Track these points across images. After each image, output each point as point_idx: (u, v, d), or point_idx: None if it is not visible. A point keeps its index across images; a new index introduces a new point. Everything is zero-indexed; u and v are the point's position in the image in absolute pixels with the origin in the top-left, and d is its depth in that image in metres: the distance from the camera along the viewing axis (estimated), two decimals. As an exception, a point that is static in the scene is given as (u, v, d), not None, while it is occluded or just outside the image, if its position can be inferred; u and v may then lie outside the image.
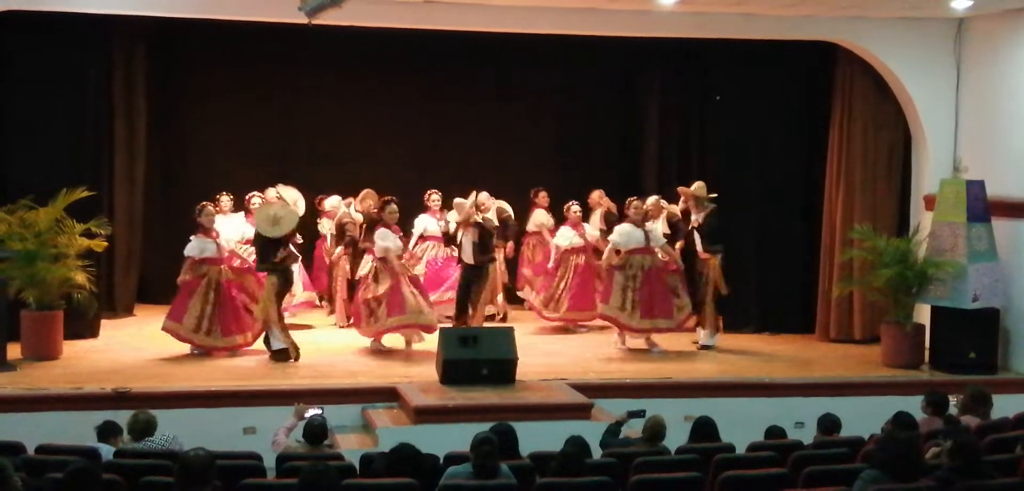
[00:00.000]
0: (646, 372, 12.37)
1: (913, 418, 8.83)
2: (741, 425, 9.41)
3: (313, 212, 15.08)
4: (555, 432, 8.88)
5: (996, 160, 13.18)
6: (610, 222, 14.66)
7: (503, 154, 16.33)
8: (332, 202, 14.44)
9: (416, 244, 14.44)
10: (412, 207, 14.49)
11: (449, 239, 14.06)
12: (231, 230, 13.40)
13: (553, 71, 16.10)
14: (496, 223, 13.71)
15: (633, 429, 9.41)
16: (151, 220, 15.26)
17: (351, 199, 14.32)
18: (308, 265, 14.88)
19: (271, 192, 13.74)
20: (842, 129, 14.36)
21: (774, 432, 9.01)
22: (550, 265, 14.70)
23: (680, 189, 13.86)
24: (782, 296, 14.91)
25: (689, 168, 15.88)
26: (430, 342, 12.47)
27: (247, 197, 13.95)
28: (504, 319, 14.53)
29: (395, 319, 12.63)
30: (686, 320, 13.45)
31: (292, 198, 13.84)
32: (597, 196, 15.02)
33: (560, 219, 14.92)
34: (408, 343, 12.94)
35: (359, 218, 14.02)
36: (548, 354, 13.08)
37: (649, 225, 13.32)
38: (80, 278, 12.48)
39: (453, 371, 11.31)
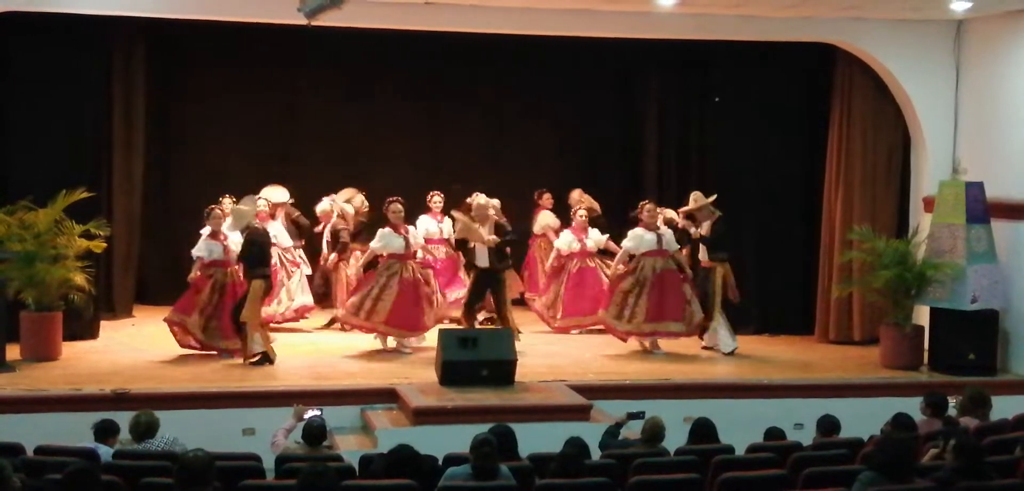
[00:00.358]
0: (645, 373, 12.38)
1: (912, 419, 8.84)
2: (740, 426, 9.40)
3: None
4: (554, 433, 8.88)
5: (995, 162, 13.18)
6: (592, 221, 14.72)
7: (503, 155, 16.34)
8: (323, 207, 14.27)
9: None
10: (411, 208, 14.45)
11: (460, 243, 13.96)
12: (238, 235, 13.36)
13: (553, 73, 16.10)
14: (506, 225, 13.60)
15: (632, 430, 9.41)
16: (150, 221, 15.26)
17: (333, 195, 14.22)
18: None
19: (227, 202, 13.60)
20: (841, 130, 14.37)
21: (773, 433, 9.00)
22: (547, 268, 14.73)
23: (681, 211, 13.74)
24: (781, 297, 14.91)
25: (688, 169, 15.91)
26: (430, 342, 12.48)
27: (279, 202, 13.97)
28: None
29: (384, 327, 12.78)
30: (697, 326, 13.42)
31: (276, 197, 13.80)
32: (577, 195, 15.02)
33: (565, 219, 14.92)
34: (398, 344, 12.95)
35: (351, 210, 14.03)
36: (547, 355, 13.07)
37: (662, 228, 13.31)
38: (79, 279, 12.48)
39: (452, 372, 11.31)
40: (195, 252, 12.54)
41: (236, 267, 12.55)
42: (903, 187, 14.46)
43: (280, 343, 13.14)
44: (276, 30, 13.47)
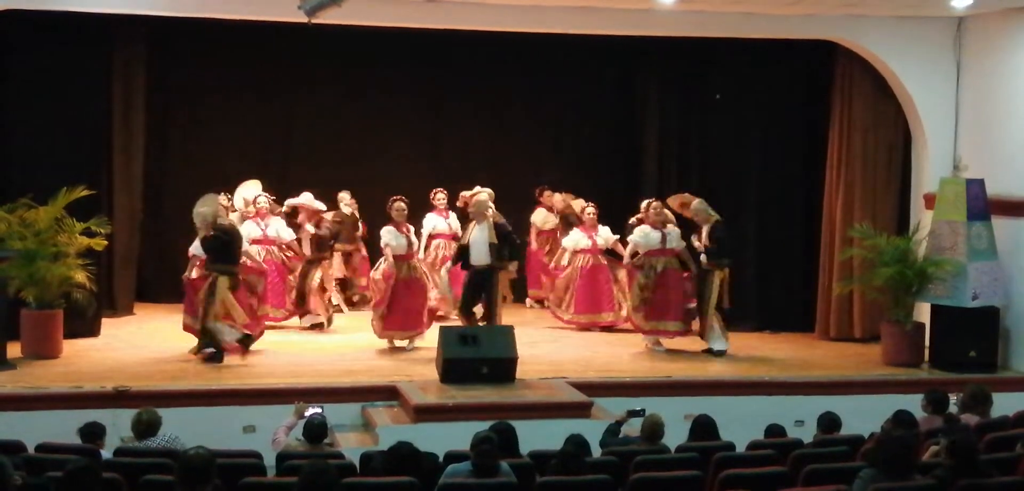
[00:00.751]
0: (646, 371, 12.39)
1: (913, 416, 8.83)
2: (741, 423, 9.41)
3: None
4: (555, 431, 8.89)
5: (996, 159, 13.17)
6: (569, 222, 14.70)
7: (503, 153, 16.33)
8: (305, 199, 14.15)
9: (426, 243, 14.38)
10: (413, 206, 14.46)
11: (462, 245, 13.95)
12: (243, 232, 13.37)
13: (553, 70, 16.09)
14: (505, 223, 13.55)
15: (633, 428, 9.41)
16: (151, 219, 15.25)
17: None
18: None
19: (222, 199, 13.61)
20: (842, 128, 14.36)
21: (774, 430, 9.01)
22: (552, 265, 14.75)
23: (680, 208, 13.74)
24: (782, 295, 14.91)
25: (689, 167, 15.90)
26: (430, 340, 12.48)
27: (254, 197, 13.95)
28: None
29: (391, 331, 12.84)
30: (693, 326, 13.43)
31: (250, 194, 13.78)
32: (560, 199, 15.01)
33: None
34: (410, 340, 12.95)
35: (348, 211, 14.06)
36: (548, 353, 13.07)
37: (667, 227, 13.30)
38: (80, 277, 12.49)
39: (453, 369, 11.31)
40: (193, 250, 12.56)
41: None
42: (904, 184, 14.46)
43: (283, 341, 13.18)
44: (276, 28, 13.47)
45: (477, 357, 11.37)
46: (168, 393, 10.91)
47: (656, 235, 13.15)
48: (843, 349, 13.88)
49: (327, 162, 15.83)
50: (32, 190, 12.52)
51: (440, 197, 14.54)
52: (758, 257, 14.92)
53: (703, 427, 8.72)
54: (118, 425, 9.50)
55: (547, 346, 13.52)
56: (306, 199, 14.01)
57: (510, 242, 12.90)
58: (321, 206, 14.04)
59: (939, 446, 7.68)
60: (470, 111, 16.34)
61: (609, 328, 14.38)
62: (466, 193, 13.96)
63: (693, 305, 13.25)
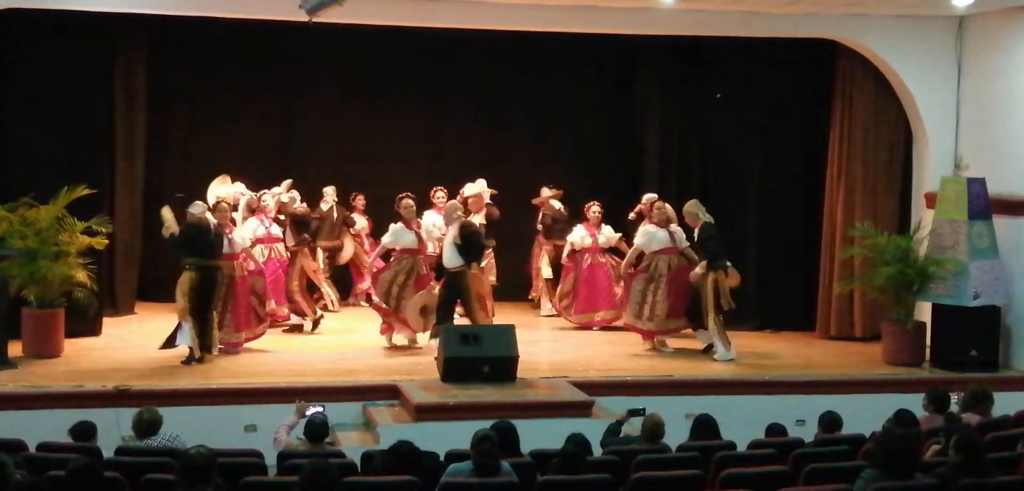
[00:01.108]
0: (647, 370, 12.38)
1: (914, 416, 8.83)
2: (742, 423, 9.41)
3: (347, 209, 15.24)
4: (556, 430, 8.89)
5: (997, 158, 13.17)
6: (550, 222, 14.84)
7: (504, 152, 16.34)
8: (284, 192, 14.13)
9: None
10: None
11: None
12: (246, 230, 13.37)
13: (554, 69, 16.10)
14: (482, 221, 13.51)
15: (633, 428, 9.41)
16: (152, 218, 15.22)
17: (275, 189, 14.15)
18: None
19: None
20: (843, 127, 14.36)
21: (775, 430, 9.00)
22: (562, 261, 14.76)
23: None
24: (783, 294, 14.91)
25: (690, 166, 15.91)
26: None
27: (258, 195, 13.98)
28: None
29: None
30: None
31: (223, 191, 13.79)
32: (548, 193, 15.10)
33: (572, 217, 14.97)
34: (410, 341, 12.95)
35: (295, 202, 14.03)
36: (549, 352, 13.09)
37: (671, 226, 13.29)
38: (81, 276, 12.49)
39: (454, 369, 11.31)
40: None
41: (242, 259, 12.58)
42: (905, 183, 14.45)
43: (284, 341, 13.19)
44: (277, 27, 13.47)
45: (478, 356, 11.37)
46: (169, 392, 10.92)
47: (662, 234, 13.13)
48: (844, 348, 13.87)
49: (328, 161, 15.86)
50: (33, 189, 12.53)
51: (440, 195, 14.55)
52: (759, 256, 14.92)
53: (704, 426, 8.72)
54: (120, 424, 9.48)
55: (548, 345, 13.53)
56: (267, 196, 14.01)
57: (473, 243, 12.75)
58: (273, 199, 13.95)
59: (941, 445, 7.68)
60: (471, 110, 16.35)
61: (607, 326, 14.37)
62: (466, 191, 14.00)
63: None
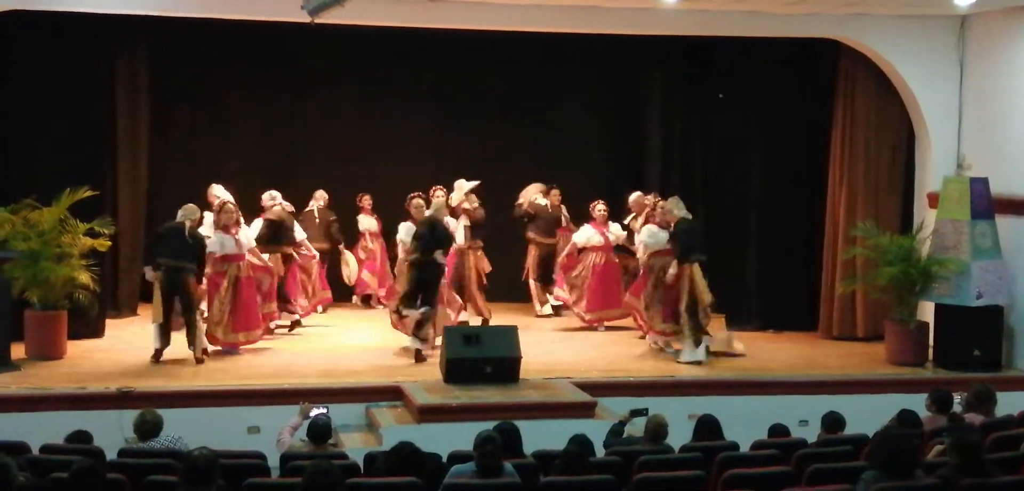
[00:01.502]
0: (650, 371, 12.38)
1: (917, 416, 8.83)
2: (745, 423, 9.40)
3: (353, 210, 15.22)
4: (559, 431, 8.89)
5: (1000, 157, 13.16)
6: (530, 218, 14.92)
7: (505, 152, 16.34)
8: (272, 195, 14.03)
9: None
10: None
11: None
12: (252, 231, 13.39)
13: (555, 69, 16.10)
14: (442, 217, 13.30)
15: (636, 428, 9.41)
16: (154, 219, 15.23)
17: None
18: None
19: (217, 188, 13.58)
20: (845, 127, 14.35)
21: (778, 430, 9.00)
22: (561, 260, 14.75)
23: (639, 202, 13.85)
24: (785, 294, 14.90)
25: (692, 166, 15.92)
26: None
27: (263, 196, 14.00)
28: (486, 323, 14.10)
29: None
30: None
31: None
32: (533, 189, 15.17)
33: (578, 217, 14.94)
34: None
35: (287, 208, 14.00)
36: (552, 353, 13.08)
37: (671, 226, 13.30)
38: (84, 278, 12.49)
39: (457, 370, 11.31)
40: (208, 247, 12.59)
41: (248, 259, 12.59)
42: (907, 183, 14.44)
43: (285, 341, 13.19)
44: (279, 28, 13.48)
45: (481, 357, 11.38)
46: (172, 394, 10.93)
47: (664, 235, 13.14)
48: (847, 348, 13.86)
49: (329, 161, 15.88)
50: (36, 191, 12.53)
51: (438, 195, 14.52)
52: (761, 256, 14.92)
53: (707, 427, 8.71)
54: (122, 426, 9.48)
55: (551, 346, 13.52)
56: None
57: (420, 234, 12.62)
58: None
59: (944, 445, 7.68)
60: (472, 110, 16.35)
61: (612, 326, 14.37)
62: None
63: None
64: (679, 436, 8.79)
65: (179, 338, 12.76)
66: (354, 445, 10.03)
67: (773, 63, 14.65)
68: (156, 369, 11.87)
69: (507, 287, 15.42)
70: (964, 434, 7.29)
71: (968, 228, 12.77)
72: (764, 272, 14.88)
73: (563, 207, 15.39)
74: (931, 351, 13.03)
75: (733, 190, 15.16)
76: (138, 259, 14.89)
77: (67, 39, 13.43)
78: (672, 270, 12.67)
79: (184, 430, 8.80)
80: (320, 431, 8.66)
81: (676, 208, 12.90)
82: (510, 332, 11.77)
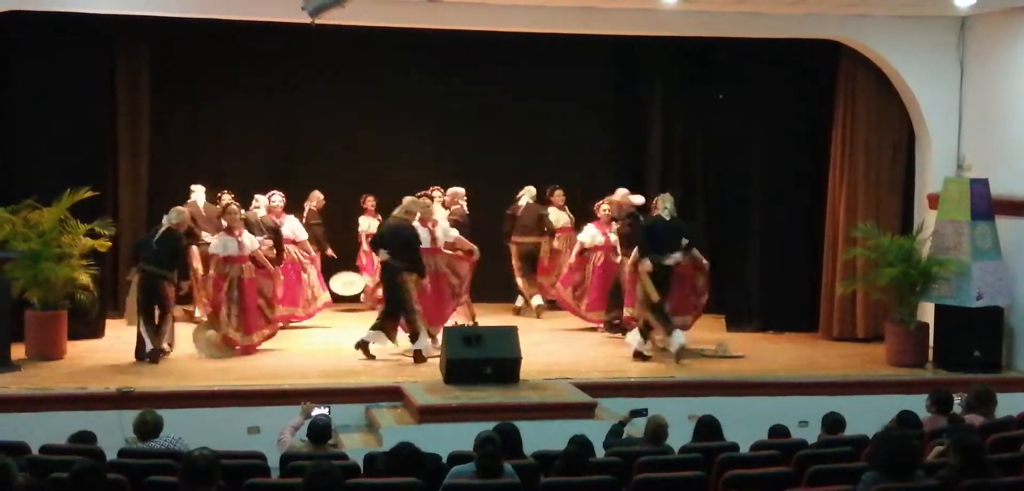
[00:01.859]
0: (650, 371, 12.37)
1: (917, 417, 8.82)
2: (745, 424, 9.40)
3: (354, 211, 15.28)
4: (559, 431, 8.89)
5: (1000, 158, 13.16)
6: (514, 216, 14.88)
7: (506, 152, 16.34)
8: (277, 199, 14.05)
9: None
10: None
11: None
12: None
13: (555, 69, 16.09)
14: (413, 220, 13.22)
15: (636, 429, 9.41)
16: (155, 220, 15.22)
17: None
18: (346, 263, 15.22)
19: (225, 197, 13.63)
20: (845, 127, 14.35)
21: (778, 431, 9.00)
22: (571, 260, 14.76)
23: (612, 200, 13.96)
24: (785, 294, 14.89)
25: (692, 166, 15.94)
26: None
27: (268, 196, 14.02)
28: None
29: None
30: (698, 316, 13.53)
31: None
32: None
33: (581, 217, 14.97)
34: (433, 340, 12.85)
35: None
36: (552, 353, 13.07)
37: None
38: (84, 278, 12.50)
39: (457, 370, 11.31)
40: (210, 249, 12.62)
41: (250, 262, 12.61)
42: (907, 184, 14.44)
43: (286, 342, 13.20)
44: (280, 29, 13.48)
45: (481, 358, 11.38)
46: (172, 394, 10.92)
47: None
48: (847, 349, 13.86)
49: (330, 162, 15.86)
50: (36, 191, 12.54)
51: (436, 196, 14.56)
52: (761, 257, 14.91)
53: (707, 427, 8.71)
54: (122, 426, 9.48)
55: (551, 346, 13.52)
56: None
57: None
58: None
59: (944, 446, 7.67)
60: (472, 111, 16.35)
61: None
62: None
63: (705, 299, 13.30)
64: (679, 437, 8.78)
65: (178, 339, 12.86)
66: (354, 445, 10.03)
67: (773, 64, 14.63)
68: (156, 369, 11.86)
69: (505, 288, 15.42)
70: (965, 435, 7.29)
71: (968, 229, 12.77)
72: (764, 273, 14.88)
73: (566, 208, 15.39)
74: (931, 352, 13.02)
75: (733, 190, 15.16)
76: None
77: (68, 39, 13.43)
78: (643, 266, 12.54)
79: (184, 430, 8.81)
80: (320, 431, 8.67)
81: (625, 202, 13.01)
82: (510, 333, 11.77)
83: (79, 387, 11.09)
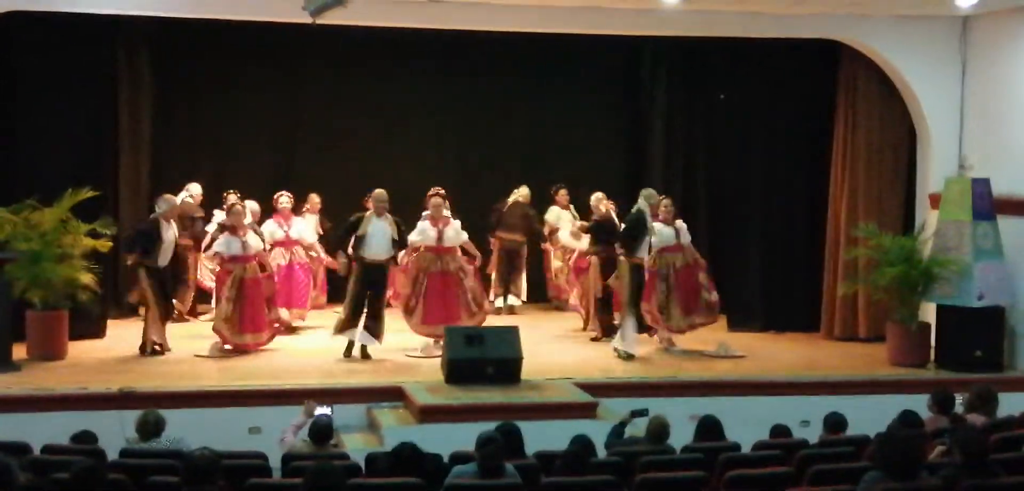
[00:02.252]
0: (651, 371, 12.37)
1: (919, 417, 8.81)
2: (746, 424, 9.38)
3: (356, 211, 15.24)
4: (560, 431, 8.87)
5: (1001, 158, 13.16)
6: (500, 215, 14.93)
7: (507, 153, 16.34)
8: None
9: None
10: (415, 207, 14.47)
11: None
12: (263, 234, 13.40)
13: (557, 70, 16.10)
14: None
15: (637, 429, 9.40)
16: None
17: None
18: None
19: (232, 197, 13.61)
20: (847, 127, 14.35)
21: (779, 431, 8.99)
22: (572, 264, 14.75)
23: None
24: (787, 294, 14.89)
25: (693, 166, 15.92)
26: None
27: (275, 197, 14.01)
28: None
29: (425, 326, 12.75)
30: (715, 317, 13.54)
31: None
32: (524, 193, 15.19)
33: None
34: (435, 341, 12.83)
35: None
36: (553, 353, 13.07)
37: (677, 223, 13.29)
38: (85, 278, 12.49)
39: (458, 370, 11.31)
40: (214, 249, 12.62)
41: (255, 262, 12.62)
42: (909, 184, 14.44)
43: (287, 343, 13.22)
44: (281, 29, 13.49)
45: (482, 358, 11.38)
46: (173, 394, 10.92)
47: (669, 232, 13.15)
48: (848, 349, 13.86)
49: (332, 160, 15.86)
50: (38, 191, 12.52)
51: (436, 201, 14.55)
52: (763, 257, 14.91)
53: (708, 427, 8.70)
54: (123, 426, 9.48)
55: (552, 346, 13.52)
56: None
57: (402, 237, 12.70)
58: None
59: (946, 446, 7.67)
60: (473, 111, 16.35)
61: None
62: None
63: (714, 297, 13.32)
64: (681, 437, 8.78)
65: (180, 339, 12.87)
66: (355, 446, 10.02)
67: (775, 64, 14.63)
68: (157, 369, 11.87)
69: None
70: (966, 435, 7.28)
71: (970, 229, 12.76)
72: (766, 273, 14.88)
73: (570, 208, 15.39)
74: (933, 352, 13.02)
75: (735, 191, 15.15)
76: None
77: (69, 39, 13.42)
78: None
79: (185, 430, 8.79)
80: (322, 432, 8.66)
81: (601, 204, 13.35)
82: (511, 333, 11.78)
83: (80, 387, 11.09)
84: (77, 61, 13.63)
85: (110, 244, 12.93)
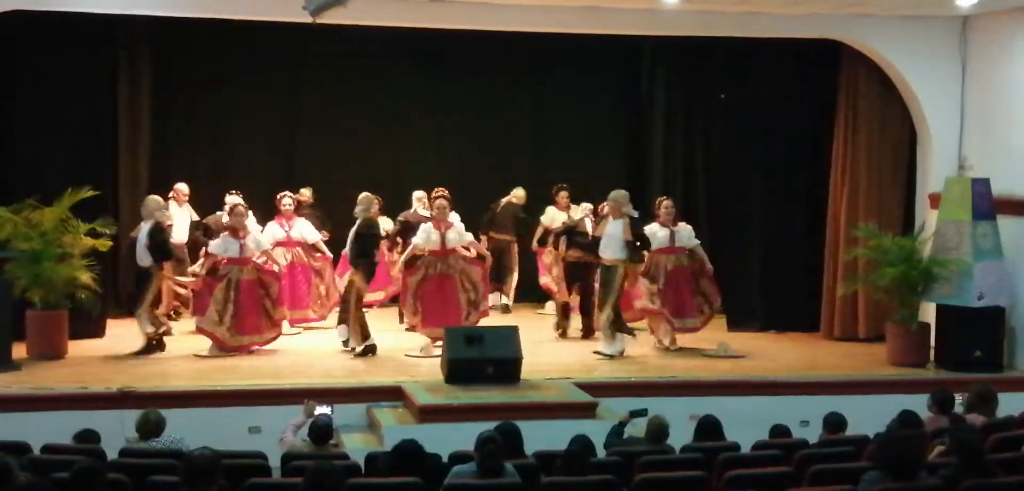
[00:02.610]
0: (651, 371, 12.37)
1: (918, 417, 8.81)
2: (746, 424, 9.38)
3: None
4: (560, 431, 8.87)
5: (1001, 158, 13.16)
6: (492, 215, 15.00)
7: (507, 153, 16.34)
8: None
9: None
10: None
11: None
12: (265, 235, 13.37)
13: (557, 70, 16.11)
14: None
15: (637, 429, 9.41)
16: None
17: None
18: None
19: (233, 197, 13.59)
20: (847, 127, 14.35)
21: (779, 431, 9.00)
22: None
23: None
24: (786, 294, 14.89)
25: (694, 167, 15.92)
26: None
27: (278, 197, 14.00)
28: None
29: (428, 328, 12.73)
30: (710, 319, 13.51)
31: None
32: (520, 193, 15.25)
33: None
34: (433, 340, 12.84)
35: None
36: (552, 353, 13.07)
37: (677, 225, 13.28)
38: (85, 278, 12.50)
39: (458, 370, 11.31)
40: (210, 249, 12.62)
41: (254, 263, 12.62)
42: (909, 184, 14.44)
43: (287, 343, 13.21)
44: (281, 28, 13.48)
45: (482, 357, 11.38)
46: (173, 394, 10.92)
47: (664, 233, 13.15)
48: (848, 349, 13.86)
49: (332, 160, 15.86)
50: (38, 191, 12.53)
51: (438, 203, 14.53)
52: (763, 257, 14.92)
53: (708, 427, 8.71)
54: (123, 426, 9.49)
55: (551, 346, 13.52)
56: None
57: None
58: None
59: (945, 446, 7.67)
60: (473, 111, 16.35)
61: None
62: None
63: (716, 300, 13.33)
64: (680, 437, 8.79)
65: (180, 339, 12.87)
66: (355, 445, 10.03)
67: (775, 64, 14.63)
68: (157, 369, 11.87)
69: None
70: (966, 435, 7.28)
71: (970, 229, 12.76)
72: (766, 272, 14.88)
73: (570, 210, 15.37)
74: (932, 352, 13.02)
75: (735, 190, 15.15)
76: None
77: (69, 39, 13.42)
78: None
79: (185, 430, 8.80)
80: (321, 431, 8.66)
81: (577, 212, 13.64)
82: (511, 333, 11.77)
83: (80, 387, 11.08)
84: (77, 61, 13.63)
85: (110, 243, 12.94)
